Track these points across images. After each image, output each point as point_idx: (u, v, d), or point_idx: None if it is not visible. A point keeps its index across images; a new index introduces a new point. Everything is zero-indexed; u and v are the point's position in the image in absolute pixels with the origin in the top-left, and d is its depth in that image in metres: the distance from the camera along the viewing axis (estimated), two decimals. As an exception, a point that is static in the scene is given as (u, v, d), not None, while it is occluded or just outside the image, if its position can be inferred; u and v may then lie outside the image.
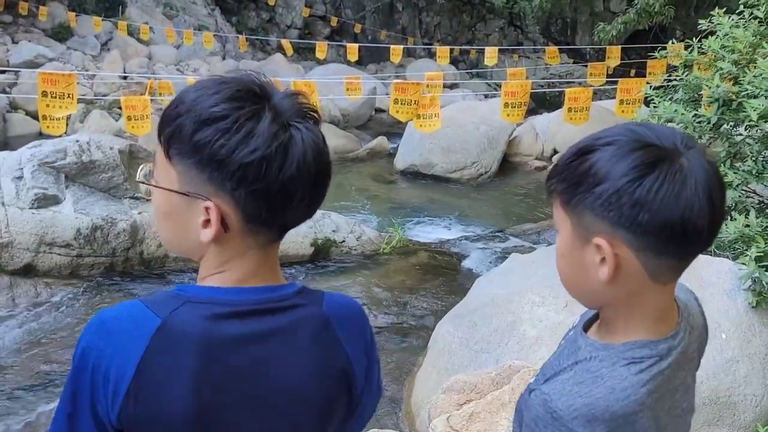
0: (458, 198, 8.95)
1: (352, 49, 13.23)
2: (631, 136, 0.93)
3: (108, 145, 5.73)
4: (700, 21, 4.53)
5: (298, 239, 5.99)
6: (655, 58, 5.25)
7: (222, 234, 0.97)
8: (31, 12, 14.31)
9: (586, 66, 11.35)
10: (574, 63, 19.22)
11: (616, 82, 6.14)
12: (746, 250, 3.34)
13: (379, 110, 14.30)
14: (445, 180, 9.59)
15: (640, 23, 11.85)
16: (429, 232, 7.53)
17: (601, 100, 10.70)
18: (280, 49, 16.69)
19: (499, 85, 6.53)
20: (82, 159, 5.50)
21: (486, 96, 15.13)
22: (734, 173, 3.88)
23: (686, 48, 4.62)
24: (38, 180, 5.33)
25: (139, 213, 5.64)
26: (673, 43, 5.08)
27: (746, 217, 3.46)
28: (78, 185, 5.54)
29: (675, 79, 4.70)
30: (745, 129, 4.05)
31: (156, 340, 0.92)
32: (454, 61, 18.89)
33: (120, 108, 6.87)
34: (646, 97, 4.90)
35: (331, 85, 10.64)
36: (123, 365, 0.91)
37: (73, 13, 14.52)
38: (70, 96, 5.27)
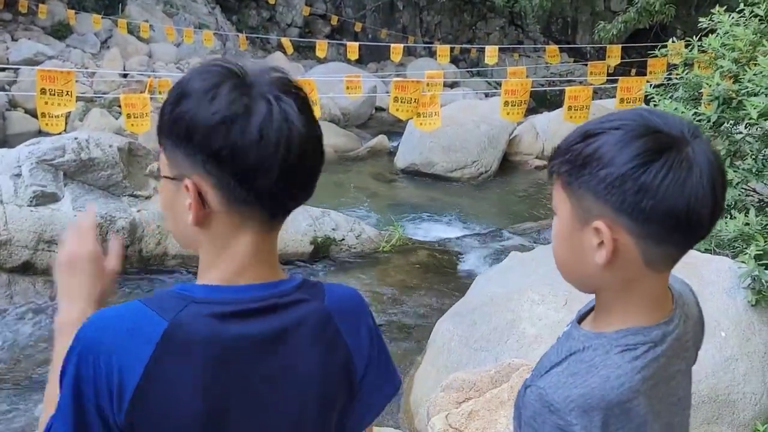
0: (458, 197, 8.95)
1: (353, 48, 13.23)
2: (639, 121, 0.93)
3: (107, 143, 5.72)
4: (701, 19, 4.53)
5: (297, 237, 5.98)
6: (656, 56, 5.25)
7: (206, 216, 0.96)
8: (31, 10, 14.31)
9: (587, 65, 11.33)
10: (574, 62, 19.22)
11: (616, 81, 6.14)
12: (746, 248, 3.34)
13: (379, 109, 14.30)
14: (446, 179, 9.58)
15: (640, 22, 11.87)
16: (429, 231, 7.53)
17: (601, 99, 10.70)
18: (281, 47, 16.70)
19: (500, 84, 6.52)
20: (80, 156, 5.49)
21: (486, 95, 15.15)
22: (734, 171, 3.88)
23: (686, 46, 4.62)
24: (37, 177, 5.32)
25: (138, 211, 5.63)
26: (673, 41, 5.08)
27: (746, 216, 3.46)
28: (77, 183, 5.53)
29: (675, 78, 4.70)
30: (745, 127, 4.05)
31: (163, 344, 0.91)
32: (454, 60, 18.88)
33: (120, 106, 6.86)
34: (646, 96, 4.89)
35: (332, 84, 10.64)
36: (129, 369, 0.90)
37: (73, 11, 14.51)
38: (69, 93, 5.26)
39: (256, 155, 0.91)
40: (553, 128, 10.40)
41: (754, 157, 3.98)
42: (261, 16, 19.96)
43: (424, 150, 9.76)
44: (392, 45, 13.29)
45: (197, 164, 0.94)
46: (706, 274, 3.44)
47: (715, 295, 3.33)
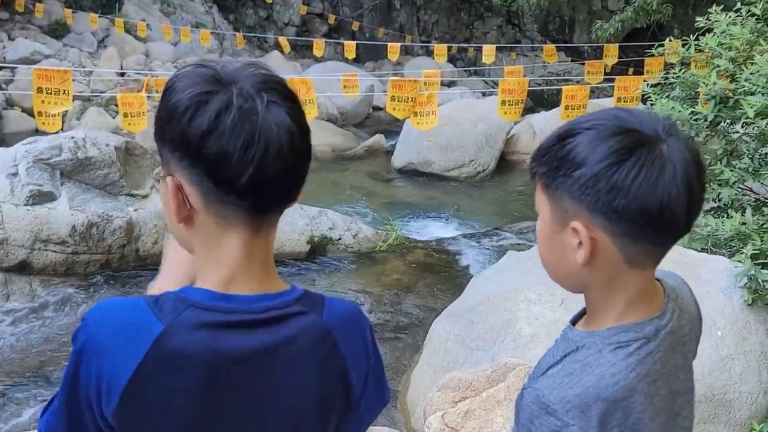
0: (455, 196, 8.95)
1: (350, 47, 13.22)
2: (613, 121, 0.93)
3: (104, 142, 5.70)
4: (698, 18, 4.53)
5: (294, 236, 5.98)
6: (653, 55, 5.25)
7: (190, 214, 0.96)
8: (28, 9, 14.28)
9: (584, 64, 11.33)
10: (571, 61, 19.23)
11: (613, 80, 6.13)
12: (742, 247, 3.34)
13: (376, 108, 14.29)
14: (443, 178, 9.58)
15: (637, 21, 11.88)
16: (426, 230, 7.53)
17: (598, 98, 10.72)
18: (278, 46, 16.68)
19: (497, 83, 6.52)
20: (77, 156, 5.48)
21: (484, 94, 15.16)
22: (731, 171, 3.88)
23: (683, 45, 4.63)
24: (33, 177, 5.31)
25: (135, 210, 5.62)
26: (670, 40, 5.08)
27: (742, 215, 3.46)
28: (73, 182, 5.51)
29: (672, 77, 4.71)
30: (742, 126, 4.06)
31: (156, 347, 0.90)
32: (451, 59, 18.86)
33: (117, 105, 6.85)
34: (643, 95, 4.90)
35: (329, 83, 10.62)
36: (118, 367, 0.90)
37: (70, 10, 14.48)
38: (66, 92, 5.25)
39: (216, 147, 0.89)
40: (550, 127, 10.35)
41: (750, 156, 3.99)
42: (258, 15, 19.94)
43: (421, 149, 9.76)
44: (389, 44, 13.26)
45: (175, 160, 0.94)
46: (703, 274, 3.44)
47: (711, 295, 3.33)
